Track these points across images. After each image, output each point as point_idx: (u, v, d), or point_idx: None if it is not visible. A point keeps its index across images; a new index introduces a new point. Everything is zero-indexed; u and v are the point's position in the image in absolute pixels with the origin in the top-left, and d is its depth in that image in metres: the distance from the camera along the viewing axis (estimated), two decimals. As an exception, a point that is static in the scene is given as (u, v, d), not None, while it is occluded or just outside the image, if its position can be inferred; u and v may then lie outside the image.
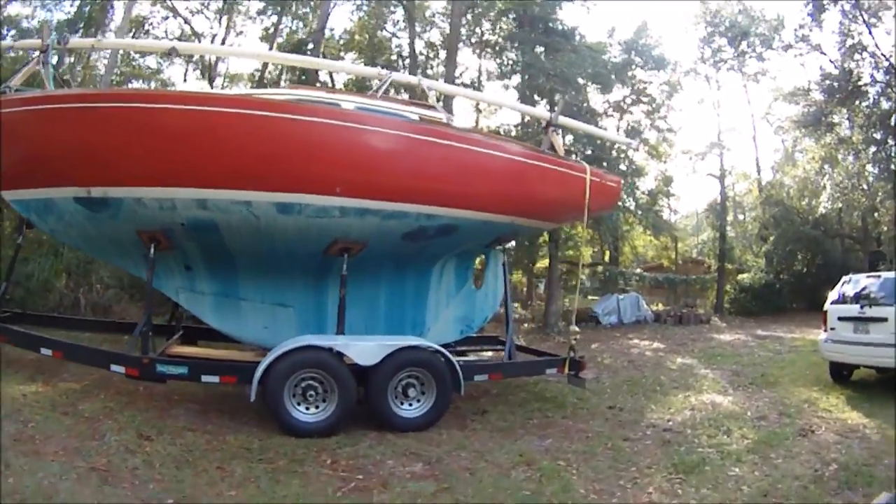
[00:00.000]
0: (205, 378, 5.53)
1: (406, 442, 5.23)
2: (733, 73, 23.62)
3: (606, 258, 26.62)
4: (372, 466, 4.62)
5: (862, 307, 7.71)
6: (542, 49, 16.33)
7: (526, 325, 16.47)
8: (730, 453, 5.14)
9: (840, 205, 19.36)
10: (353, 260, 6.10)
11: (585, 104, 16.44)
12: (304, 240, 5.96)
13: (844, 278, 8.52)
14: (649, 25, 24.51)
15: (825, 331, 8.23)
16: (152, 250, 5.78)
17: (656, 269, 29.18)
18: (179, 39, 19.45)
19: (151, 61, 20.13)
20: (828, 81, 18.40)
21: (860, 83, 18.42)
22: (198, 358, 5.93)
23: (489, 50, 18.53)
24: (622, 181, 8.37)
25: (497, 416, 6.36)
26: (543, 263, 27.91)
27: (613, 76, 16.61)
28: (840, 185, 18.52)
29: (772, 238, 22.45)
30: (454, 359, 5.81)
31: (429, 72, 18.34)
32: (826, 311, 8.27)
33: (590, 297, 21.91)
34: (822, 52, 19.28)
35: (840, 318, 7.99)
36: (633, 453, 5.21)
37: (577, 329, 7.13)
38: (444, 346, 6.80)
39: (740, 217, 30.67)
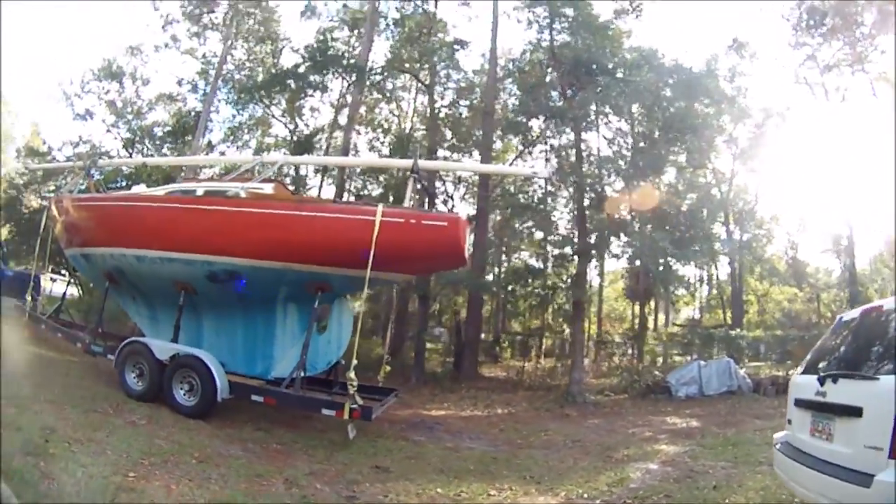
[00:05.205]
0: (109, 356, 8.36)
1: (169, 417, 7.21)
2: (841, 71, 19.67)
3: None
4: (112, 410, 6.99)
5: (822, 381, 3.89)
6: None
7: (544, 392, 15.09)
8: None
9: None
10: (201, 299, 8.51)
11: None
12: (161, 279, 8.52)
13: (838, 319, 4.69)
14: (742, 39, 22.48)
15: (788, 423, 4.64)
16: (107, 284, 9.36)
17: (804, 326, 24.67)
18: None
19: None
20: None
21: None
22: (107, 345, 9.06)
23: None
24: (463, 221, 7.75)
25: (255, 433, 7.46)
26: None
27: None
28: None
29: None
30: (216, 373, 7.55)
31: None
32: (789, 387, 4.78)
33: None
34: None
35: (797, 403, 4.37)
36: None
37: (352, 376, 7.09)
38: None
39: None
